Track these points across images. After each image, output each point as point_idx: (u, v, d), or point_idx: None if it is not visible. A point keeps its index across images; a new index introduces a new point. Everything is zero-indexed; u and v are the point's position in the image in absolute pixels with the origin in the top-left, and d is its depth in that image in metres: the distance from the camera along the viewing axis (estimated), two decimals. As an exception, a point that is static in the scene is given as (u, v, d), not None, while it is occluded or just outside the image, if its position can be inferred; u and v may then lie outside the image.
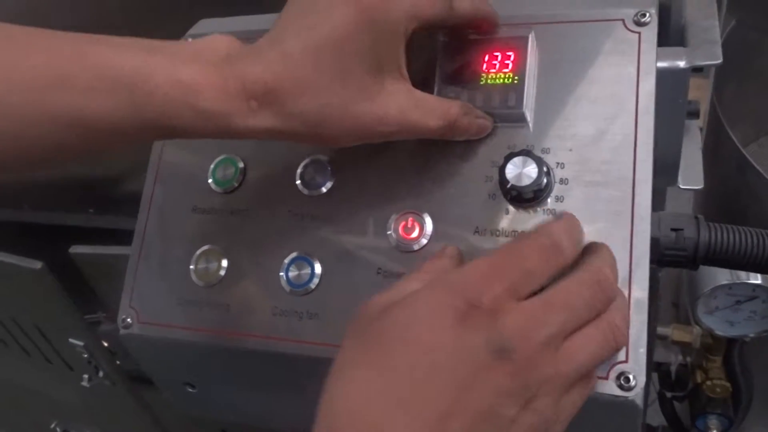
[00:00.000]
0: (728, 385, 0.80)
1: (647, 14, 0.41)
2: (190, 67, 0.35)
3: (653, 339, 0.79)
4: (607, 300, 0.35)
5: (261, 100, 0.35)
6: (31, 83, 0.33)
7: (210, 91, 0.35)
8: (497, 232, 0.40)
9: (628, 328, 0.36)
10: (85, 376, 0.84)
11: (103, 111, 0.34)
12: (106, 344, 0.83)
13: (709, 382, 0.81)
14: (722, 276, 0.69)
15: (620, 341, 0.35)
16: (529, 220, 0.40)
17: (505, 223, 0.40)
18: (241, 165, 0.47)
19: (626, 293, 0.37)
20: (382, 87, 0.37)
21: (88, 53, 0.35)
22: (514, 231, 0.40)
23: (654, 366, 0.87)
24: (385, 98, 0.37)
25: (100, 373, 0.83)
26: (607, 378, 0.36)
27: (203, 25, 0.53)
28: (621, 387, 0.36)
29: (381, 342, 0.32)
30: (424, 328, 0.31)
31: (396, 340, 0.32)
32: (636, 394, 0.36)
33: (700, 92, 0.84)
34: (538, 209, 0.40)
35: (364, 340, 0.32)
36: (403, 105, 0.38)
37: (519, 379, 0.31)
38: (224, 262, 0.45)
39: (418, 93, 0.39)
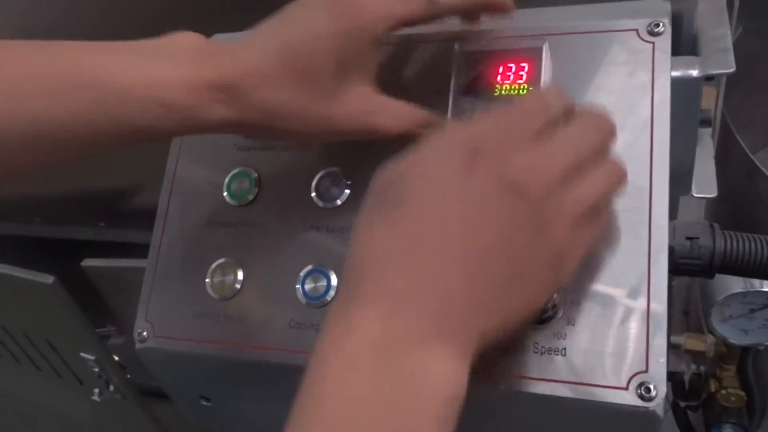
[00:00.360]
0: (743, 394, 0.80)
1: (661, 24, 0.41)
2: (156, 63, 0.37)
3: (667, 347, 0.79)
4: (606, 138, 0.36)
5: (226, 93, 0.37)
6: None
7: (176, 85, 0.36)
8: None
9: (625, 167, 0.37)
10: (96, 390, 0.84)
11: (71, 114, 0.35)
12: (116, 358, 0.83)
13: (723, 391, 0.80)
14: (736, 284, 0.68)
15: (621, 178, 0.36)
16: (546, 230, 0.40)
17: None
18: (255, 178, 0.47)
19: (644, 303, 0.37)
20: (345, 90, 0.39)
21: (56, 58, 0.36)
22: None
23: (667, 375, 0.86)
24: (346, 100, 0.39)
25: (111, 387, 0.83)
26: (627, 388, 0.36)
27: (218, 39, 0.54)
28: (641, 397, 0.36)
29: (399, 203, 0.33)
30: (435, 177, 0.33)
31: (412, 195, 0.33)
32: (657, 405, 0.36)
33: (708, 99, 0.84)
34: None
35: (384, 201, 0.33)
36: (363, 107, 0.40)
37: (531, 211, 0.32)
38: (240, 275, 0.45)
39: (382, 98, 0.41)
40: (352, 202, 0.44)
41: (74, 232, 0.89)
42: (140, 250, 0.49)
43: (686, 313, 0.95)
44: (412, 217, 0.32)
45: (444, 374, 0.30)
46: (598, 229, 0.36)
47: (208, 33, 0.54)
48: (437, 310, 0.30)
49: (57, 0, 0.65)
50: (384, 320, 0.30)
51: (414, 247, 0.31)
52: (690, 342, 0.78)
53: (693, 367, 0.86)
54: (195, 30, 0.54)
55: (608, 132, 0.37)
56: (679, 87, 0.44)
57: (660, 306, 0.37)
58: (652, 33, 0.41)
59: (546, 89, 0.38)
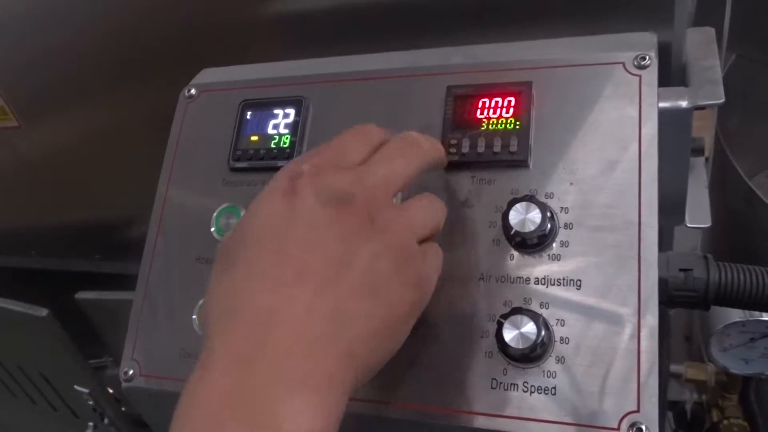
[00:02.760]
0: (746, 424, 0.79)
1: (647, 57, 0.41)
2: None
3: (667, 377, 0.78)
4: (422, 152, 0.38)
5: None
6: None
7: None
8: (502, 279, 0.40)
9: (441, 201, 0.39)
10: (91, 423, 0.83)
11: None
12: (111, 391, 0.82)
13: (726, 421, 0.79)
14: (735, 313, 0.68)
15: (440, 207, 0.39)
16: (535, 265, 0.39)
17: (509, 269, 0.40)
18: (243, 213, 0.46)
19: (635, 339, 0.36)
20: None
21: None
22: (519, 277, 0.39)
23: (669, 405, 0.85)
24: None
25: (105, 420, 0.82)
26: (618, 429, 0.35)
27: (206, 74, 0.54)
28: (634, 438, 0.35)
29: (235, 256, 0.33)
30: (261, 216, 0.34)
31: (244, 242, 0.34)
32: (649, 446, 0.35)
33: (703, 122, 0.83)
34: (543, 254, 0.39)
35: (224, 261, 0.34)
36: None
37: (362, 216, 0.33)
38: (227, 312, 0.45)
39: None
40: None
41: (70, 264, 0.89)
42: (136, 282, 0.49)
43: (688, 338, 0.95)
44: (246, 264, 0.32)
45: (298, 417, 0.29)
46: (439, 251, 0.37)
47: (197, 68, 0.54)
48: (285, 346, 0.30)
49: (60, 51, 0.65)
50: (232, 369, 0.30)
51: (249, 292, 0.31)
52: (691, 371, 0.78)
53: (695, 395, 0.84)
54: (188, 63, 0.54)
55: (421, 147, 0.38)
56: (669, 118, 0.44)
57: (652, 342, 0.36)
58: (638, 66, 0.41)
59: (365, 125, 0.39)
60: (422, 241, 0.36)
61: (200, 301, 0.45)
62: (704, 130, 0.77)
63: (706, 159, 0.71)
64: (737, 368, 0.71)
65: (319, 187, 0.33)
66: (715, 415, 0.80)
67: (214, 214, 0.47)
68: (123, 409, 0.82)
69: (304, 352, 0.30)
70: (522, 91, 0.42)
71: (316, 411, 0.29)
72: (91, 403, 0.80)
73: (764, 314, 0.66)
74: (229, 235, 0.35)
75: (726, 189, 0.80)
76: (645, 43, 0.43)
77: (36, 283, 0.95)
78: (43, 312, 0.74)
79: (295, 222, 0.33)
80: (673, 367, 0.78)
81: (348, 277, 0.32)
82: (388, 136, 0.39)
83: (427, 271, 0.36)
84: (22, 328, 0.75)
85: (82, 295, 0.76)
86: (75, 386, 0.79)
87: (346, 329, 0.31)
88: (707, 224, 0.52)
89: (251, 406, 0.29)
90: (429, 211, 0.37)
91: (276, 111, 0.48)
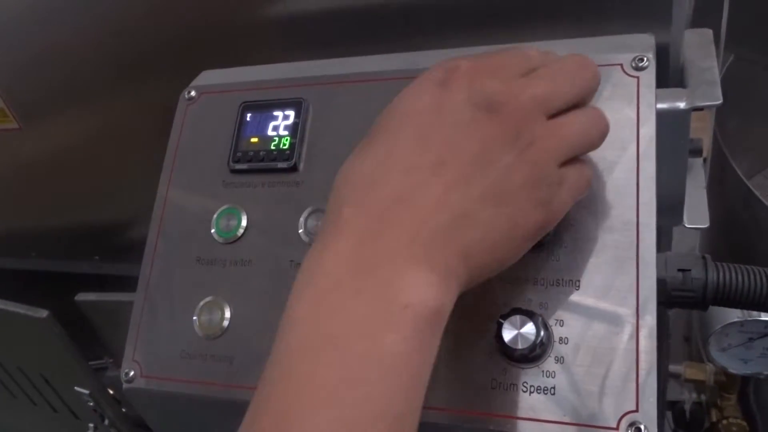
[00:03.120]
0: (744, 423, 0.79)
1: (645, 59, 0.41)
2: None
3: (666, 377, 0.78)
4: (588, 78, 0.36)
5: None
6: None
7: None
8: (501, 279, 0.40)
9: (607, 119, 0.37)
10: (91, 424, 0.83)
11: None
12: (111, 392, 0.82)
13: (725, 421, 0.79)
14: (733, 313, 0.68)
15: (603, 126, 0.36)
16: (534, 265, 0.39)
17: (508, 269, 0.39)
18: (243, 215, 0.47)
19: (634, 339, 0.37)
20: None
21: None
22: (518, 278, 0.39)
23: (668, 405, 0.85)
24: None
25: (106, 422, 0.82)
26: (617, 428, 0.35)
27: (206, 76, 0.54)
28: (632, 437, 0.35)
29: (377, 133, 0.34)
30: (410, 101, 0.34)
31: (387, 123, 0.34)
32: (648, 445, 0.35)
33: (702, 123, 0.84)
34: (542, 254, 0.39)
35: (367, 137, 0.35)
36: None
37: (508, 127, 0.33)
38: (227, 314, 0.45)
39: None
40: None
41: (69, 265, 0.89)
42: (136, 284, 0.49)
43: (687, 339, 0.95)
44: (387, 146, 0.33)
45: (418, 290, 0.30)
46: (584, 177, 0.36)
47: (196, 70, 0.55)
48: (411, 228, 0.31)
49: (60, 54, 0.65)
50: (358, 241, 0.31)
51: (386, 170, 0.32)
52: (690, 371, 0.78)
53: (694, 395, 0.85)
54: (188, 65, 0.54)
55: (589, 73, 0.36)
56: (667, 119, 0.44)
57: (650, 343, 0.37)
58: (636, 68, 0.41)
59: (525, 46, 0.38)
60: (568, 161, 0.35)
61: (201, 303, 0.46)
62: (702, 131, 0.77)
63: (704, 160, 0.71)
64: (736, 368, 0.71)
65: (472, 87, 0.33)
66: (714, 415, 0.80)
67: (215, 216, 0.47)
68: (123, 410, 0.82)
69: (427, 238, 0.31)
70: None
71: (433, 289, 0.30)
72: (91, 404, 0.80)
73: (762, 314, 0.67)
74: (380, 115, 0.35)
75: (725, 190, 0.80)
76: (643, 44, 0.43)
77: (36, 284, 0.95)
78: (44, 313, 0.74)
79: (441, 115, 0.33)
80: (672, 367, 0.78)
81: (480, 181, 0.32)
82: (550, 59, 0.37)
83: (562, 196, 0.35)
84: (22, 330, 0.76)
85: (82, 296, 0.76)
86: (75, 387, 0.79)
87: (467, 230, 0.32)
88: (705, 225, 0.53)
89: (374, 273, 0.30)
90: (582, 132, 0.36)
91: (276, 113, 0.48)
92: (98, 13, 0.61)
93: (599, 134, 0.36)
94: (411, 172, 0.32)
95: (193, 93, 0.52)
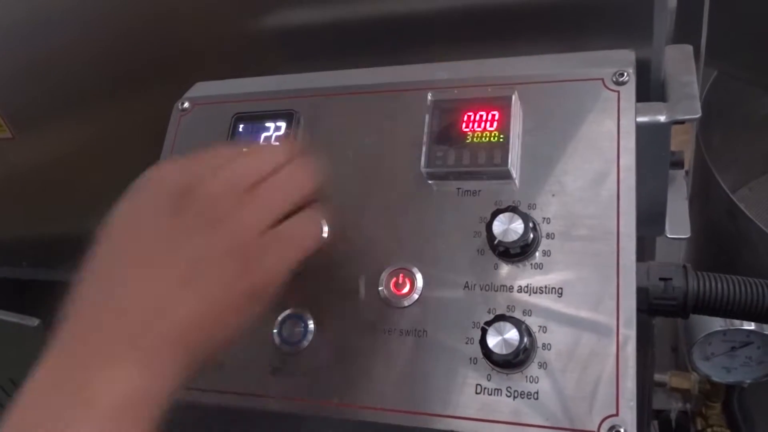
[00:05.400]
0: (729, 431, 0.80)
1: (625, 74, 0.43)
2: None
3: (651, 386, 0.79)
4: (274, 158, 0.38)
5: None
6: None
7: None
8: (486, 287, 0.41)
9: (310, 175, 0.38)
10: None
11: None
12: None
13: (709, 429, 0.80)
14: (716, 322, 0.69)
15: (303, 179, 0.38)
16: (518, 274, 0.41)
17: (493, 277, 0.41)
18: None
19: (614, 345, 0.38)
20: None
21: None
22: (503, 285, 0.41)
23: (654, 413, 0.86)
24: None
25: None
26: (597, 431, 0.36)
27: (199, 88, 0.55)
28: (612, 441, 0.36)
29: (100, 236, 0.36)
30: (122, 203, 0.37)
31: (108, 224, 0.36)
32: (628, 448, 0.36)
33: (684, 137, 0.85)
34: (526, 263, 0.41)
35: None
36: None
37: (200, 209, 0.35)
38: (219, 320, 0.46)
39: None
40: (329, 247, 0.45)
41: (62, 274, 0.89)
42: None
43: (675, 349, 0.96)
44: (97, 256, 0.35)
45: (114, 384, 0.31)
46: (303, 232, 0.38)
47: (189, 81, 0.55)
48: (113, 327, 0.32)
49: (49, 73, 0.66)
50: (59, 350, 0.32)
51: (89, 285, 0.34)
52: (675, 380, 0.79)
53: (679, 404, 0.86)
54: (182, 77, 0.55)
55: (273, 150, 0.40)
56: (648, 132, 0.45)
57: (629, 348, 0.38)
58: (617, 82, 0.43)
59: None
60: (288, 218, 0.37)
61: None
62: (684, 144, 0.79)
63: (686, 172, 0.73)
64: (719, 376, 0.73)
65: (165, 180, 0.36)
66: (699, 424, 0.81)
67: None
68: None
69: (130, 331, 0.32)
70: (505, 105, 0.43)
71: (132, 379, 0.31)
72: (81, 413, 0.79)
73: (745, 323, 0.68)
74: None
75: (709, 202, 0.82)
76: (624, 60, 0.44)
77: (27, 293, 0.95)
78: (35, 322, 0.75)
79: (140, 214, 0.36)
80: (658, 376, 0.79)
81: (175, 266, 0.34)
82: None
83: (267, 264, 0.36)
84: (13, 338, 0.76)
85: (73, 305, 0.77)
86: (65, 396, 0.79)
87: (171, 316, 0.33)
88: (686, 235, 0.54)
89: (72, 373, 0.31)
90: (280, 194, 0.37)
91: (267, 124, 0.49)
92: (92, 24, 0.62)
93: (299, 189, 0.38)
94: (112, 276, 0.34)
95: (186, 104, 0.53)
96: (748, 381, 0.72)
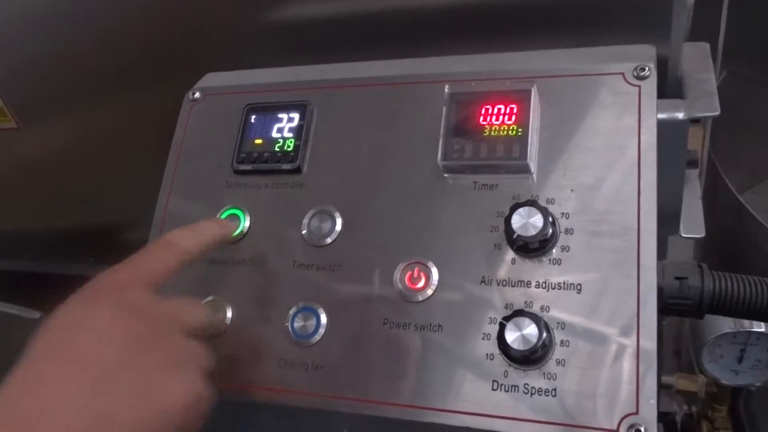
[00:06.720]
0: (735, 435, 0.79)
1: (646, 68, 0.42)
2: None
3: (658, 388, 0.78)
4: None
5: None
6: None
7: None
8: (503, 282, 0.40)
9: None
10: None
11: None
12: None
13: (715, 432, 0.80)
14: (726, 324, 0.68)
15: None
16: (536, 269, 0.40)
17: (511, 272, 0.40)
18: (246, 216, 0.47)
19: (634, 343, 0.37)
20: None
21: None
22: (521, 281, 0.40)
23: (659, 416, 0.85)
24: None
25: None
26: (617, 430, 0.36)
27: (211, 78, 0.54)
28: (632, 439, 0.35)
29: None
30: (57, 317, 0.38)
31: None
32: (647, 447, 0.35)
33: (695, 139, 0.85)
34: (544, 259, 0.40)
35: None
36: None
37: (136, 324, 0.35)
38: (229, 313, 0.45)
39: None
40: (343, 241, 0.44)
41: (64, 267, 0.89)
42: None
43: (677, 353, 0.95)
44: (26, 365, 0.34)
45: None
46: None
47: (200, 72, 0.55)
48: None
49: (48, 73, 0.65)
50: None
51: (19, 396, 0.32)
52: (681, 382, 0.78)
53: (684, 407, 0.85)
54: (188, 68, 0.55)
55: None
56: (666, 129, 0.45)
57: (650, 345, 0.37)
58: (638, 77, 0.42)
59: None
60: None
61: (204, 302, 0.46)
62: (696, 144, 0.78)
63: (699, 172, 0.72)
64: (727, 379, 0.72)
65: (118, 298, 0.37)
66: (705, 427, 0.81)
67: (218, 216, 0.47)
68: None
69: None
70: (524, 99, 0.43)
71: None
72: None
73: (755, 325, 0.67)
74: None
75: (717, 203, 0.81)
76: (644, 54, 0.44)
77: (29, 286, 0.94)
78: (37, 314, 0.74)
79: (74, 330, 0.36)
80: (664, 379, 0.78)
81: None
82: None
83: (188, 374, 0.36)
84: (15, 331, 0.75)
85: (76, 298, 0.76)
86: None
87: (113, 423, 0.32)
88: (701, 234, 0.53)
89: None
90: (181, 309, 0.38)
91: (280, 115, 0.49)
92: (99, 14, 0.61)
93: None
94: (49, 385, 0.33)
95: (197, 94, 0.53)
96: (758, 384, 0.72)
